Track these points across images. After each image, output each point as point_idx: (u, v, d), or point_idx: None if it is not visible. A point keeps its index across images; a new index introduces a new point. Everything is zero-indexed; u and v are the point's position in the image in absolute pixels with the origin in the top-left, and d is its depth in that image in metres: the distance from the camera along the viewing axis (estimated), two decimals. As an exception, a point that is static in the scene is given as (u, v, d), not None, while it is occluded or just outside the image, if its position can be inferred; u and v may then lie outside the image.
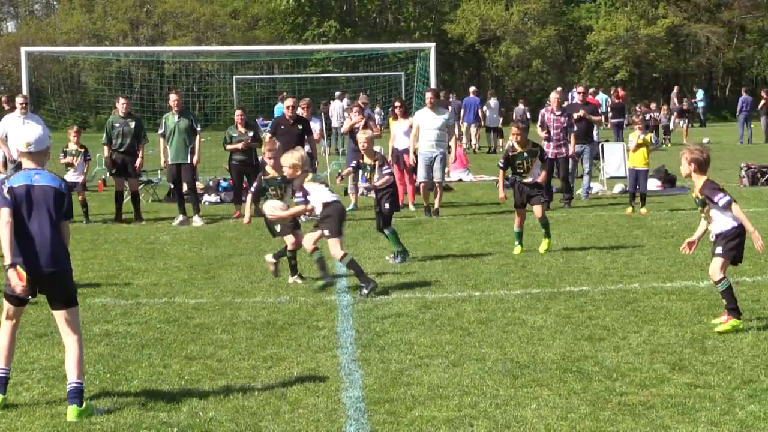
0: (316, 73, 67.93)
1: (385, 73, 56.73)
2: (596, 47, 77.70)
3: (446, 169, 24.58)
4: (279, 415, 8.44)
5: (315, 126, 25.32)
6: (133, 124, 22.44)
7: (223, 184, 26.17)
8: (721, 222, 11.24)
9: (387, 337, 11.11)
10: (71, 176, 22.40)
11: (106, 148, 22.71)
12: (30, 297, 8.71)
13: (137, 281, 14.85)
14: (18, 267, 8.35)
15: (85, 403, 8.53)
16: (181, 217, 21.78)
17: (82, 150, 22.74)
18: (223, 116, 60.83)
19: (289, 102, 22.88)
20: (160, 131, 22.36)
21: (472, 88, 46.55)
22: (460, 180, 30.37)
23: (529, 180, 16.79)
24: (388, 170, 16.18)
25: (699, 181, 11.33)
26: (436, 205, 22.27)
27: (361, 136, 16.60)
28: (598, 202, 24.39)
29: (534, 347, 10.52)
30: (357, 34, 78.67)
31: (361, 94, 55.07)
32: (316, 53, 69.54)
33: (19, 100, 23.64)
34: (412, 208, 23.31)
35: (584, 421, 8.17)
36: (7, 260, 8.34)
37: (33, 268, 8.48)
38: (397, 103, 24.96)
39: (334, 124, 45.19)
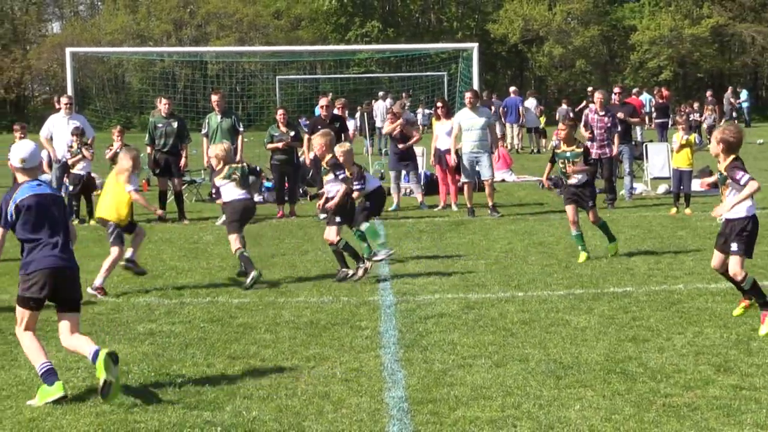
0: (359, 74, 67.97)
1: (428, 74, 56.70)
2: (640, 47, 77.21)
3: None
4: (322, 414, 8.45)
5: (350, 125, 25.38)
6: (175, 124, 22.55)
7: (267, 184, 26.21)
8: (735, 207, 11.10)
9: (430, 337, 11.10)
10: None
11: (149, 149, 22.85)
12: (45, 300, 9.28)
13: (181, 281, 14.92)
14: None
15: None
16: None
17: (127, 150, 22.84)
18: (266, 116, 60.92)
19: (323, 102, 22.98)
20: (203, 131, 22.46)
21: (512, 88, 46.47)
22: (503, 180, 30.28)
23: (574, 181, 16.46)
24: (359, 186, 15.78)
25: (726, 161, 11.18)
26: (490, 203, 22.19)
27: (338, 149, 16.47)
28: (642, 203, 24.26)
29: (577, 348, 10.49)
30: (400, 34, 78.62)
31: (403, 94, 55.13)
32: (358, 53, 69.54)
33: (63, 100, 23.83)
34: (455, 208, 23.26)
35: (628, 423, 8.13)
36: None
37: (53, 263, 9.13)
38: (439, 104, 24.97)
39: (378, 124, 45.19)
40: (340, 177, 14.84)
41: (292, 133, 22.86)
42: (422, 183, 25.30)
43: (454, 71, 46.94)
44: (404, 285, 14.19)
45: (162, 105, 22.90)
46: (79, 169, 22.17)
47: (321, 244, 17.60)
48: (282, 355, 10.45)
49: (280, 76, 59.01)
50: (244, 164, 15.96)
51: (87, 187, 22.48)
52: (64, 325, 9.33)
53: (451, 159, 22.97)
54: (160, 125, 22.52)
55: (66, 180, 22.77)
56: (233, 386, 9.29)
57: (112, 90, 74.96)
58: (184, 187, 23.85)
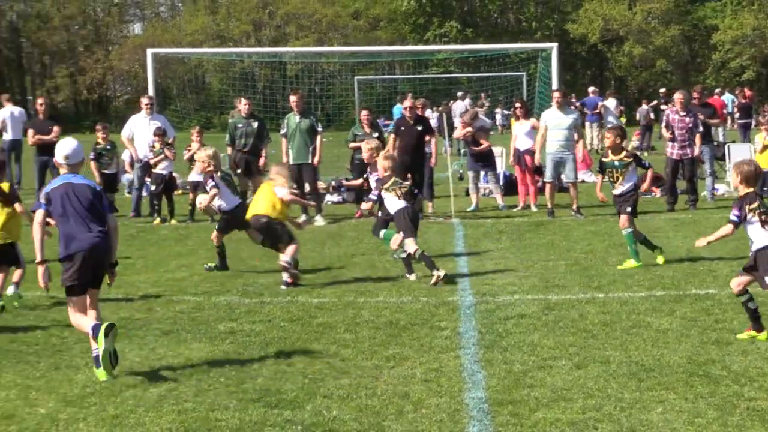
0: (437, 74, 67.98)
1: (507, 74, 56.58)
2: (722, 47, 76.38)
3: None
4: (402, 414, 8.45)
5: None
6: (255, 125, 22.67)
7: (347, 184, 26.25)
8: (758, 238, 11.00)
9: (510, 338, 11.05)
10: (194, 175, 22.67)
11: (229, 149, 23.00)
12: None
13: (261, 280, 14.99)
14: (47, 266, 9.89)
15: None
16: (303, 217, 21.93)
17: (205, 150, 23.00)
18: (345, 117, 61.19)
19: (408, 103, 22.95)
20: (282, 131, 22.52)
21: (591, 88, 46.17)
22: (583, 181, 30.06)
23: (618, 191, 16.14)
24: (372, 197, 15.81)
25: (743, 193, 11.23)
26: (575, 205, 22.05)
27: (365, 146, 16.69)
28: (724, 204, 23.92)
29: (659, 350, 10.38)
30: (478, 34, 78.52)
31: (482, 94, 54.94)
32: (437, 54, 69.53)
33: (144, 100, 24.08)
34: (534, 209, 23.16)
35: (712, 426, 8.03)
36: (39, 257, 9.85)
37: (85, 245, 9.72)
38: (518, 104, 24.93)
39: (456, 124, 45.12)
40: (367, 196, 15.56)
41: (375, 135, 22.82)
42: (501, 183, 25.21)
43: (533, 71, 46.82)
44: (484, 286, 14.15)
45: (242, 105, 23.05)
46: (161, 169, 22.38)
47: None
48: (362, 354, 10.46)
49: (358, 76, 59.18)
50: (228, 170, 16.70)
51: (169, 187, 22.68)
52: (90, 297, 9.98)
53: (536, 158, 22.86)
54: (240, 125, 22.66)
55: (147, 180, 23.00)
56: (313, 385, 9.31)
57: (193, 90, 75.65)
58: (263, 186, 23.89)
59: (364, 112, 23.45)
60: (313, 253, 17.45)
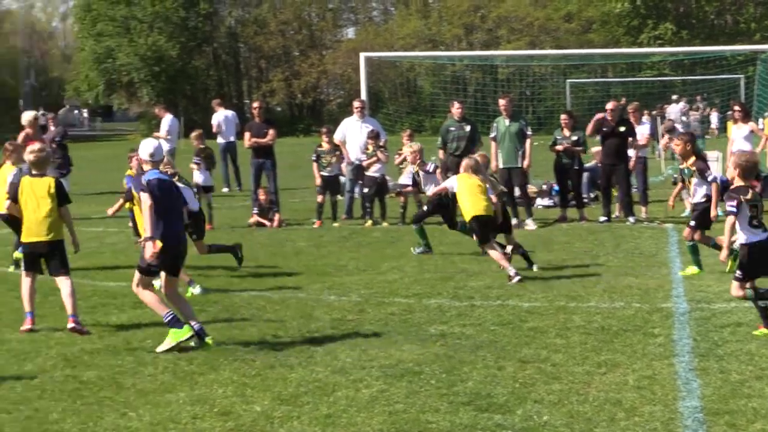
0: (651, 77, 66.91)
1: (723, 76, 55.32)
2: None
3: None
4: (614, 422, 8.33)
5: (644, 129, 25.00)
6: (467, 128, 22.70)
7: (556, 188, 26.06)
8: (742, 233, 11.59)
9: (726, 346, 10.79)
10: (405, 178, 22.80)
11: (441, 152, 23.09)
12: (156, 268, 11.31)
13: (471, 283, 15.00)
14: (156, 240, 10.92)
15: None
16: (515, 221, 21.83)
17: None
18: (556, 120, 60.76)
19: (610, 105, 22.69)
20: (492, 135, 22.51)
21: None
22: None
23: (691, 200, 15.70)
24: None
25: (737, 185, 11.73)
26: None
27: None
28: None
29: None
30: (694, 36, 76.89)
31: (698, 97, 53.82)
32: (651, 56, 68.34)
33: (356, 104, 24.35)
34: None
35: None
36: (148, 233, 10.93)
37: (175, 239, 11.20)
38: (736, 107, 24.34)
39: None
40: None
41: (575, 138, 22.66)
42: (717, 188, 24.65)
43: (751, 74, 45.65)
44: (698, 293, 13.86)
45: (454, 109, 23.11)
46: (373, 172, 22.57)
47: (612, 249, 17.55)
48: (573, 360, 10.37)
49: (570, 79, 58.71)
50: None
51: (381, 190, 22.85)
52: (167, 286, 11.38)
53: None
54: (452, 129, 22.73)
55: (359, 182, 23.26)
56: (524, 390, 9.27)
57: (404, 94, 76.27)
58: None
59: (564, 116, 23.35)
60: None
